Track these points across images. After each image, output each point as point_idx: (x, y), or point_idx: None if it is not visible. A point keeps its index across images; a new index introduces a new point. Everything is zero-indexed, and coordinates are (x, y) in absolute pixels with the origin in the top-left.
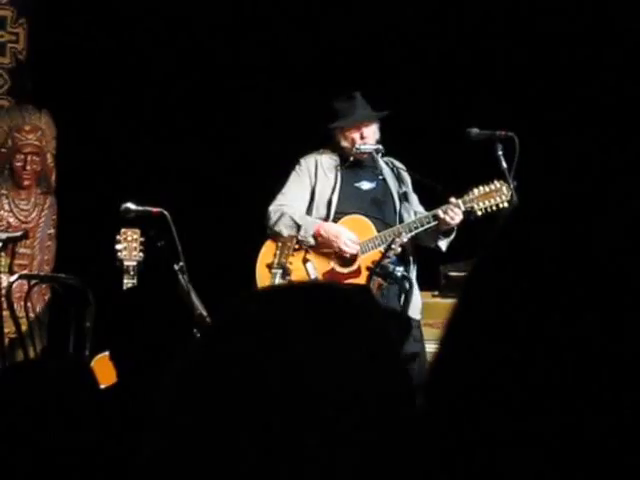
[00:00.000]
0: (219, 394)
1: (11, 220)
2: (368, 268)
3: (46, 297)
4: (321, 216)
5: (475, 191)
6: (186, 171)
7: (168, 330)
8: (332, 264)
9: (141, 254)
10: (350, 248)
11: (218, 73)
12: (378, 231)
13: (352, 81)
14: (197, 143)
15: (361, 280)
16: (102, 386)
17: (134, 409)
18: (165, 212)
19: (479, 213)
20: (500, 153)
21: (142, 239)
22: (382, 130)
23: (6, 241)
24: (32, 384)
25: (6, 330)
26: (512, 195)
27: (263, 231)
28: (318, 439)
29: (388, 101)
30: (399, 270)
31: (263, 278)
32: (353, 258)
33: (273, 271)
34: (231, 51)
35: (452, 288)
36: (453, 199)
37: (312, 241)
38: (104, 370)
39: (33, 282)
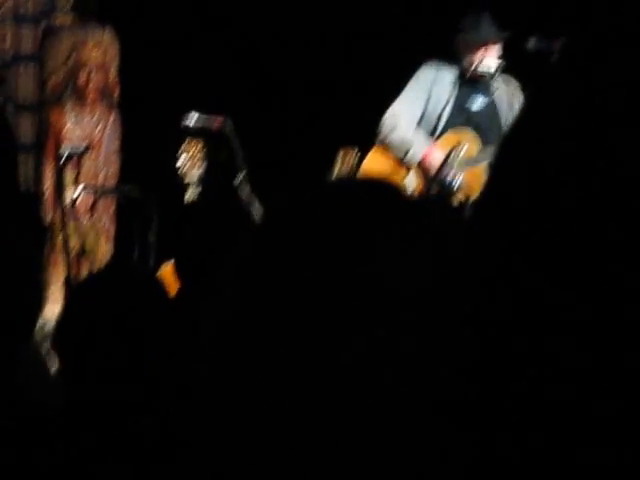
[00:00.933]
0: (283, 284)
1: (76, 135)
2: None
3: (111, 209)
4: (429, 128)
5: None
6: (252, 79)
7: (230, 240)
8: None
9: (204, 165)
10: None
11: None
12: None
13: None
14: (268, 49)
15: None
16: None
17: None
18: (227, 122)
19: None
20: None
21: (205, 150)
22: None
23: (70, 154)
24: (110, 294)
25: (72, 243)
26: None
27: (333, 140)
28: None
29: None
30: (457, 181)
31: None
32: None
33: None
34: None
35: None
36: None
37: (416, 162)
38: (168, 280)
39: (98, 194)
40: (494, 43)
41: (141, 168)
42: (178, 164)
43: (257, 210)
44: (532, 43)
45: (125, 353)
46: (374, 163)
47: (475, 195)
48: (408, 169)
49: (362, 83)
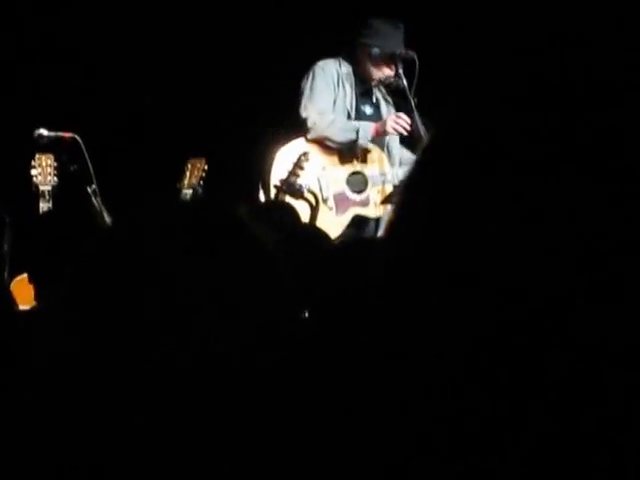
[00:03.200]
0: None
1: None
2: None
3: None
4: None
5: None
6: (100, 93)
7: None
8: (344, 188)
9: (55, 178)
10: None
11: None
12: None
13: None
14: (115, 63)
15: (369, 210)
16: (22, 307)
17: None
18: (77, 137)
19: None
20: (400, 71)
21: (56, 164)
22: None
23: None
24: None
25: None
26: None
27: (179, 152)
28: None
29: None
30: (305, 186)
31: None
32: (364, 187)
33: (184, 191)
34: None
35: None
36: None
37: (368, 142)
38: (23, 292)
39: None
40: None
41: None
42: (31, 176)
43: (108, 218)
44: (375, 52)
45: None
46: (320, 156)
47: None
48: (357, 157)
49: (211, 94)
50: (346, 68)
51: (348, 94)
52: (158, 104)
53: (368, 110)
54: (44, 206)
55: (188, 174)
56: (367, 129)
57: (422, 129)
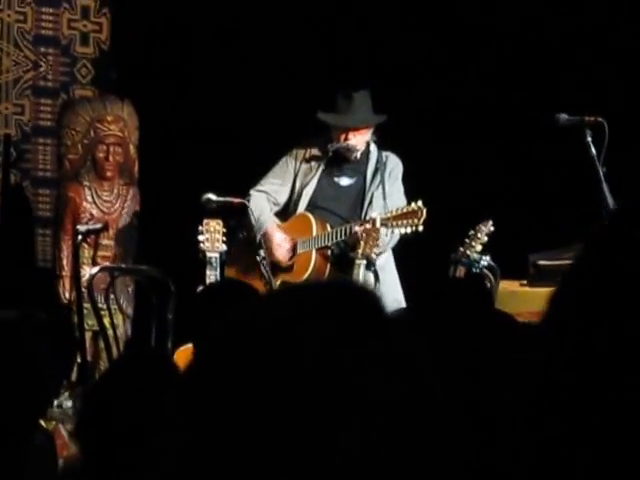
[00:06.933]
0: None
1: (94, 212)
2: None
3: (129, 289)
4: (297, 207)
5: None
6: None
7: None
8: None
9: (224, 245)
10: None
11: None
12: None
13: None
14: (281, 133)
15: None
16: None
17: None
18: (246, 202)
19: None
20: (589, 139)
21: (224, 230)
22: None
23: (86, 233)
24: (125, 385)
25: (89, 323)
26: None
27: None
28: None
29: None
30: (485, 259)
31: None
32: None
33: (357, 261)
34: None
35: (541, 277)
36: (374, 214)
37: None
38: (186, 363)
39: (116, 274)
40: (358, 129)
41: (160, 246)
42: (198, 242)
43: (277, 287)
44: (563, 118)
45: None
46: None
47: (300, 278)
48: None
49: None
50: (320, 143)
51: (312, 169)
52: None
53: (344, 182)
54: (211, 274)
55: (362, 243)
56: (260, 229)
57: (610, 200)
